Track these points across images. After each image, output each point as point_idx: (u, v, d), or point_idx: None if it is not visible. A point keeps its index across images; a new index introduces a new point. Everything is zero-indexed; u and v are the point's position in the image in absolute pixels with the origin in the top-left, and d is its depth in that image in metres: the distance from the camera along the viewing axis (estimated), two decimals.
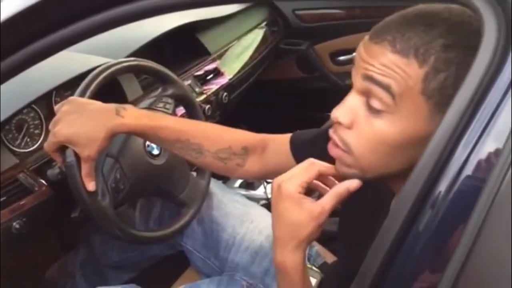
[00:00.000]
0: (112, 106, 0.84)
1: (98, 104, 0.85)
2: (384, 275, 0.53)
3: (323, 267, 1.07)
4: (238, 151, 0.86)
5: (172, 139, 0.84)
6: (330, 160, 0.70)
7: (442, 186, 0.50)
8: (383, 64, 0.56)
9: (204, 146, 0.84)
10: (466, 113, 0.50)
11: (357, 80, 0.59)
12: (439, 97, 0.55)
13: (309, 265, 1.03)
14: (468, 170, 0.50)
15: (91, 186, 0.87)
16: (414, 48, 0.55)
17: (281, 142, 0.88)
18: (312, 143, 0.84)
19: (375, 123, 0.58)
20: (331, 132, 0.62)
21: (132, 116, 0.83)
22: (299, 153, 0.85)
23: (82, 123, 0.82)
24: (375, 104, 0.57)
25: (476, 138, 0.49)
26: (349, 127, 0.59)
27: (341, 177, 0.65)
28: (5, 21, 0.69)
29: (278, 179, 0.63)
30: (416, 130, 0.57)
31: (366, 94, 0.58)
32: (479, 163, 0.49)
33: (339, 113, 0.60)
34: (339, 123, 0.60)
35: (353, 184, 0.61)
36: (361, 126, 0.59)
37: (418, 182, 0.51)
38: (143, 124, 0.83)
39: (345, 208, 0.82)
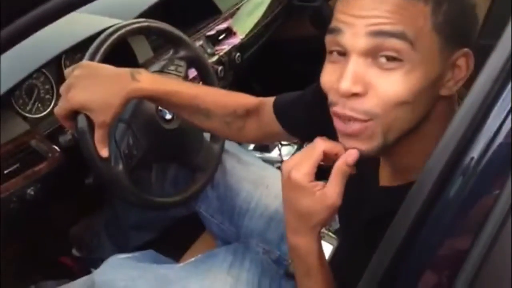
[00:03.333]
0: (126, 70, 0.82)
1: (112, 68, 0.83)
2: (410, 243, 0.51)
3: (339, 232, 1.06)
4: (242, 114, 0.88)
5: (184, 104, 0.86)
6: (317, 121, 0.68)
7: (475, 152, 0.47)
8: (390, 11, 0.52)
9: (213, 110, 0.86)
10: (500, 77, 0.47)
11: (359, 41, 0.53)
12: (446, 29, 0.54)
13: (325, 231, 1.02)
14: (501, 137, 0.47)
15: (104, 152, 0.85)
16: None
17: (270, 105, 0.88)
18: (294, 105, 0.85)
19: (392, 77, 0.53)
20: (339, 109, 0.56)
21: (147, 80, 0.82)
22: (282, 117, 0.87)
23: (97, 88, 0.79)
24: (391, 54, 0.53)
25: (510, 105, 0.46)
26: (365, 93, 0.54)
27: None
28: None
29: (287, 165, 0.59)
30: (433, 71, 0.55)
31: (373, 52, 0.53)
32: None
33: (347, 84, 0.54)
34: (352, 94, 0.54)
35: (350, 156, 0.57)
36: (378, 86, 0.54)
37: (449, 147, 0.48)
38: (158, 88, 0.82)
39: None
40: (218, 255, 0.99)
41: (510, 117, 0.47)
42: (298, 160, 0.59)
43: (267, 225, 1.05)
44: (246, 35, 1.48)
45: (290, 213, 0.61)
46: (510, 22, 0.47)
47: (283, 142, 1.43)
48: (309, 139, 0.88)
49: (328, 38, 0.57)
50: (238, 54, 1.40)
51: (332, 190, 0.58)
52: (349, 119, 0.56)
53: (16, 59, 0.85)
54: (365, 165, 0.65)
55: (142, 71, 0.83)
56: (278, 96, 0.89)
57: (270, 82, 1.62)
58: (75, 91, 0.79)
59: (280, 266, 1.03)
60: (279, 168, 1.28)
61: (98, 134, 0.83)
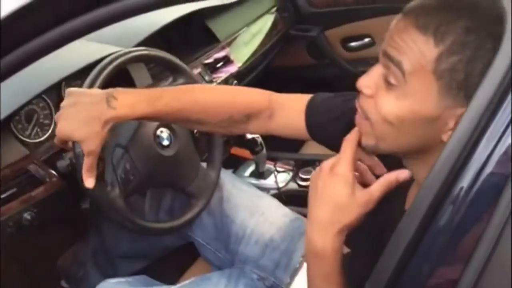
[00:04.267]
0: (102, 96, 0.78)
1: (89, 95, 0.80)
2: (402, 271, 0.52)
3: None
4: (241, 118, 0.84)
5: (172, 119, 0.85)
6: (340, 135, 0.71)
7: (464, 182, 0.49)
8: (401, 39, 0.57)
9: (205, 119, 0.83)
10: (489, 108, 0.48)
11: (380, 54, 0.61)
12: (448, 80, 0.55)
13: None
14: (491, 166, 0.48)
15: (89, 182, 0.82)
16: (435, 26, 0.55)
17: (293, 112, 0.84)
18: (332, 122, 0.81)
19: (389, 96, 0.59)
20: (356, 101, 0.65)
21: (125, 105, 0.78)
22: (316, 132, 0.84)
23: (77, 118, 0.78)
24: (390, 78, 0.58)
25: (500, 134, 0.48)
26: (370, 96, 0.61)
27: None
28: (8, 15, 0.68)
29: (326, 164, 0.63)
30: (423, 108, 0.57)
31: (385, 68, 0.60)
32: (501, 160, 0.48)
33: (362, 82, 0.62)
34: (362, 93, 0.62)
35: (402, 174, 0.61)
36: (379, 96, 0.60)
37: (440, 176, 0.50)
38: (138, 112, 0.78)
39: None
40: (212, 279, 0.99)
41: (498, 147, 0.48)
42: (336, 159, 0.64)
43: (262, 252, 1.05)
44: (243, 63, 1.51)
45: (322, 209, 0.62)
46: (499, 51, 0.49)
47: (279, 169, 1.44)
48: (334, 148, 0.89)
49: None
50: (235, 82, 1.43)
51: (372, 192, 0.61)
52: (357, 111, 0.64)
53: (16, 85, 0.86)
54: (394, 189, 0.67)
55: (119, 94, 0.78)
56: (310, 105, 0.83)
57: None
58: (61, 122, 0.79)
59: None
60: (274, 195, 1.29)
61: (86, 163, 0.81)
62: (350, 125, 0.78)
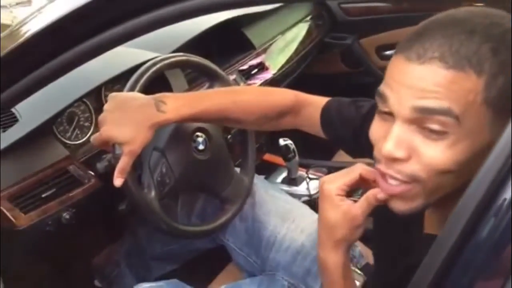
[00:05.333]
0: (151, 101, 0.83)
1: (138, 99, 0.85)
2: (440, 285, 0.51)
3: (365, 268, 1.05)
4: (273, 116, 0.91)
5: (213, 118, 0.90)
6: (360, 146, 0.75)
7: (507, 193, 0.48)
8: (437, 85, 0.51)
9: (242, 118, 0.90)
10: None
11: (403, 110, 0.54)
12: (500, 102, 0.52)
13: (351, 267, 1.01)
14: None
15: (118, 181, 0.83)
16: (467, 59, 0.51)
17: (315, 109, 0.90)
18: (343, 124, 0.86)
19: (436, 147, 0.53)
20: (383, 168, 0.57)
21: (173, 109, 0.83)
22: (328, 130, 0.89)
23: (124, 122, 0.82)
24: (436, 127, 0.52)
25: None
26: (408, 158, 0.55)
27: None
28: (51, 24, 0.71)
29: (323, 179, 0.65)
30: (481, 142, 0.53)
31: (418, 122, 0.54)
32: None
33: (391, 148, 0.54)
34: (395, 159, 0.55)
35: (380, 194, 0.59)
36: (421, 152, 0.54)
37: (481, 187, 0.49)
38: (183, 114, 0.84)
39: (377, 217, 0.79)
40: (242, 286, 1.00)
41: None
42: (334, 176, 0.64)
43: (293, 258, 1.05)
44: (278, 70, 1.52)
45: (320, 227, 0.65)
46: None
47: (311, 176, 1.43)
48: (351, 154, 0.91)
49: (377, 99, 0.58)
50: None
51: (357, 208, 0.62)
52: (392, 179, 0.57)
53: (59, 88, 0.89)
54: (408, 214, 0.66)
55: (167, 99, 0.84)
56: (327, 105, 0.89)
57: None
58: (106, 125, 0.82)
59: None
60: (305, 202, 1.29)
61: (122, 162, 0.83)
62: (356, 131, 0.83)
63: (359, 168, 0.64)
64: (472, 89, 0.51)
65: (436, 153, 0.53)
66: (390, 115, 0.56)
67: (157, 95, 0.85)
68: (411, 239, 0.68)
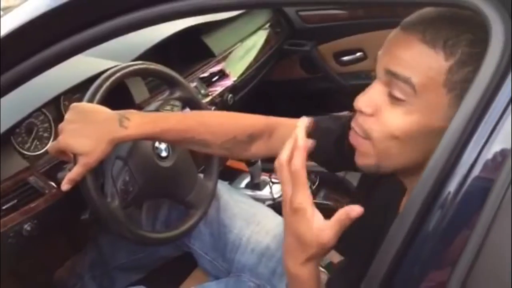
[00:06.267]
0: (115, 116, 0.83)
1: (101, 112, 0.85)
2: (393, 276, 0.54)
3: (329, 266, 1.08)
4: (244, 139, 0.88)
5: (177, 139, 0.87)
6: (342, 156, 0.74)
7: (452, 187, 0.51)
8: (407, 55, 0.57)
9: (209, 140, 0.87)
10: (475, 114, 0.50)
11: (380, 72, 0.61)
12: (459, 91, 0.56)
13: None
14: (477, 170, 0.50)
15: (65, 186, 0.86)
16: (443, 40, 0.56)
17: (289, 128, 0.84)
18: (323, 137, 0.83)
19: (395, 112, 0.59)
20: (352, 122, 0.64)
21: (134, 125, 0.83)
22: (312, 154, 0.85)
23: (84, 133, 0.82)
24: (397, 93, 0.59)
25: (485, 139, 0.50)
26: (371, 115, 0.61)
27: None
28: (10, 33, 0.70)
29: (285, 196, 0.60)
30: (433, 121, 0.58)
31: (389, 85, 0.60)
32: (487, 164, 0.50)
33: (361, 102, 0.62)
34: (361, 112, 0.62)
35: (353, 211, 0.57)
36: (382, 114, 0.61)
37: (428, 182, 0.52)
38: (146, 132, 0.84)
39: (352, 203, 0.81)
40: None
41: (485, 150, 0.50)
42: (292, 188, 0.58)
43: (259, 260, 1.07)
44: (238, 77, 1.54)
45: (289, 239, 0.61)
46: (484, 62, 0.52)
47: (274, 180, 1.46)
48: (336, 169, 0.90)
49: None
50: (230, 95, 1.46)
51: (328, 232, 0.58)
52: (354, 131, 0.64)
53: (16, 99, 0.88)
54: (389, 194, 0.70)
55: (131, 115, 0.84)
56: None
57: None
58: (64, 134, 0.83)
59: None
60: (270, 206, 1.31)
61: (75, 172, 0.84)
62: (338, 139, 0.81)
63: (297, 167, 0.58)
64: (436, 68, 0.56)
65: (392, 117, 0.60)
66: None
67: (122, 111, 0.85)
68: (385, 221, 0.68)
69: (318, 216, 0.58)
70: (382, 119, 0.60)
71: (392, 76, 0.59)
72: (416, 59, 0.57)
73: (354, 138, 0.65)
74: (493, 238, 0.49)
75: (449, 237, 0.52)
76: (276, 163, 0.61)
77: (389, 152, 0.61)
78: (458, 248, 0.51)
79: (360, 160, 0.65)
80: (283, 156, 0.60)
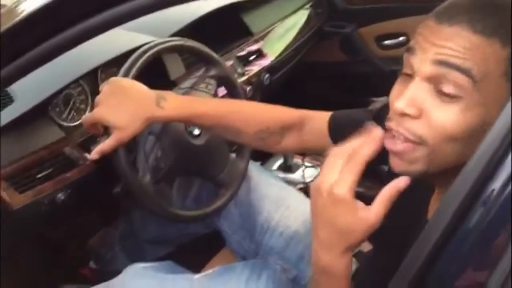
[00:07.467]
0: (153, 95, 0.84)
1: (139, 90, 0.85)
2: (427, 272, 0.52)
3: (358, 255, 1.06)
4: (276, 130, 0.88)
5: (211, 125, 0.88)
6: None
7: (496, 184, 0.48)
8: (463, 46, 0.53)
9: (243, 129, 0.87)
10: None
11: (424, 66, 0.55)
12: None
13: None
14: None
15: (94, 155, 0.86)
16: (494, 28, 0.53)
17: (320, 121, 0.88)
18: (354, 128, 0.81)
19: (449, 110, 0.54)
20: (393, 125, 0.57)
21: (172, 107, 0.84)
22: (337, 137, 0.84)
23: (121, 108, 0.83)
24: (450, 89, 0.53)
25: None
26: (418, 117, 0.55)
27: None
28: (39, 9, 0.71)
29: (324, 182, 0.55)
30: (495, 113, 0.52)
31: (436, 80, 0.54)
32: None
33: (403, 103, 0.55)
34: (405, 114, 0.56)
35: (401, 182, 0.55)
36: (432, 114, 0.55)
37: (470, 178, 0.49)
38: (181, 114, 0.85)
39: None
40: (235, 269, 1.01)
41: None
42: (339, 175, 0.55)
43: (287, 244, 1.06)
44: (276, 57, 1.51)
45: (327, 232, 0.57)
46: None
47: (307, 164, 1.44)
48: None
49: (405, 56, 0.59)
50: (267, 75, 1.43)
51: (377, 210, 0.55)
52: (400, 136, 0.57)
53: (55, 70, 0.90)
54: (416, 197, 0.66)
55: (168, 96, 0.85)
56: (335, 113, 0.88)
57: (294, 104, 1.66)
58: (101, 107, 0.84)
59: (297, 286, 1.04)
60: (301, 189, 1.29)
61: (106, 144, 0.85)
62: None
63: (362, 156, 0.55)
64: (495, 57, 0.53)
65: (447, 116, 0.54)
66: (411, 77, 0.57)
67: (160, 91, 0.86)
68: (414, 225, 0.67)
69: (358, 202, 0.56)
70: (434, 120, 0.54)
71: (447, 67, 0.53)
72: (472, 50, 0.52)
73: (400, 145, 0.57)
74: None
75: (491, 237, 0.49)
76: (334, 148, 0.57)
77: (446, 155, 0.56)
78: (500, 248, 0.48)
79: (405, 167, 0.58)
80: (350, 144, 0.56)
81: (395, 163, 0.59)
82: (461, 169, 0.55)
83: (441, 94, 0.54)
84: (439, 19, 0.55)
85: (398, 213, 0.62)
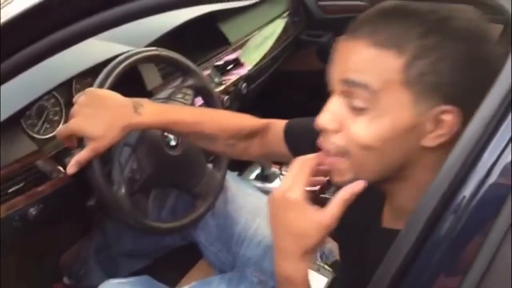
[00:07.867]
0: (129, 102, 0.84)
1: (115, 99, 0.85)
2: (400, 282, 0.52)
3: (335, 265, 1.06)
4: (244, 137, 0.90)
5: (188, 131, 0.88)
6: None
7: (467, 191, 0.49)
8: (359, 60, 0.55)
9: (217, 135, 0.89)
10: (494, 118, 0.48)
11: (335, 84, 0.59)
12: (420, 85, 0.55)
13: (321, 263, 1.02)
14: (494, 176, 0.48)
15: (71, 169, 0.85)
16: (392, 39, 0.54)
17: (279, 128, 0.90)
18: (304, 133, 0.83)
19: (360, 122, 0.57)
20: (320, 141, 0.61)
21: (149, 112, 0.84)
22: (292, 144, 0.88)
23: (97, 118, 0.82)
24: (357, 103, 0.56)
25: (504, 144, 0.47)
26: (338, 131, 0.59)
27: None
28: (22, 13, 0.70)
29: (278, 190, 0.60)
30: (402, 121, 0.56)
31: (347, 95, 0.57)
32: (505, 170, 0.48)
33: (323, 119, 0.59)
34: (327, 130, 0.59)
35: (357, 186, 0.58)
36: (350, 127, 0.58)
37: (441, 186, 0.50)
38: (159, 121, 0.85)
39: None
40: (212, 284, 1.00)
41: (503, 156, 0.48)
42: (289, 182, 0.59)
43: (264, 254, 1.06)
44: (253, 66, 1.51)
45: (284, 237, 0.59)
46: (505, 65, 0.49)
47: (284, 173, 1.44)
48: None
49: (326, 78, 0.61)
50: (244, 84, 1.43)
51: (331, 212, 0.58)
52: (325, 151, 0.60)
53: (28, 81, 0.88)
54: (369, 205, 0.67)
55: (145, 103, 0.85)
56: (290, 120, 0.90)
57: (271, 112, 1.66)
58: (77, 118, 0.83)
59: None
60: None
61: (82, 155, 0.84)
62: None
63: (308, 162, 0.61)
64: (391, 67, 0.54)
65: (359, 128, 0.57)
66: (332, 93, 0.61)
67: (136, 99, 0.86)
68: (370, 233, 0.68)
69: (311, 206, 0.59)
70: (350, 132, 0.57)
71: (349, 85, 0.56)
72: (369, 63, 0.55)
73: (327, 159, 0.61)
74: (507, 247, 0.46)
75: (462, 244, 0.50)
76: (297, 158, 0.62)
77: (368, 163, 0.58)
78: (471, 255, 0.49)
79: (338, 178, 0.61)
80: (304, 156, 0.61)
81: (331, 176, 0.62)
82: (400, 180, 0.60)
83: (353, 107, 0.57)
84: (346, 33, 0.58)
85: (354, 224, 0.63)
